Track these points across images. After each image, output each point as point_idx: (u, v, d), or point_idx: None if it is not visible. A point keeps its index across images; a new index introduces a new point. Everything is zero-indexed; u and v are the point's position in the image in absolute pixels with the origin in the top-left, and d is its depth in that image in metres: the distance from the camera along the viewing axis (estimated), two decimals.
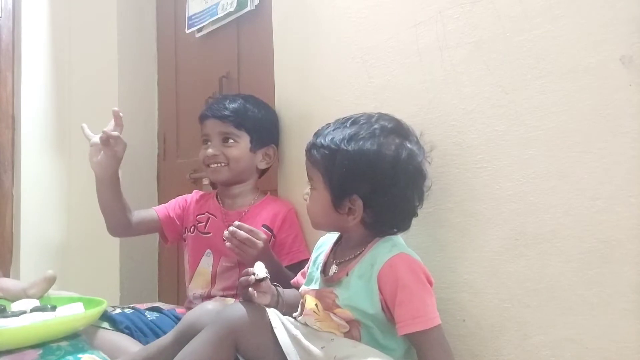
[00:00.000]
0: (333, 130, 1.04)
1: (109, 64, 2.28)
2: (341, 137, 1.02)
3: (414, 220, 1.14)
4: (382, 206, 1.02)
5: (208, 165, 1.51)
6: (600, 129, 0.91)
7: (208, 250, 1.50)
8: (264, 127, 1.53)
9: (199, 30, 2.03)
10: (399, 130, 1.05)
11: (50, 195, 2.37)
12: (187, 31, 2.07)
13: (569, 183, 0.95)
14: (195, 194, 1.63)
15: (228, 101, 1.52)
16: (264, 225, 1.45)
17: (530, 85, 1.00)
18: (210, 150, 1.49)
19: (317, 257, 1.16)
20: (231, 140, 1.49)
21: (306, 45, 1.48)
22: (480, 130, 1.07)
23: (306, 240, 1.45)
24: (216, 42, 1.99)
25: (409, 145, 1.03)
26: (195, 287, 1.52)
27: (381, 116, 1.06)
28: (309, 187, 1.09)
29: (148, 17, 2.36)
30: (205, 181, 1.98)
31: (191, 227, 1.56)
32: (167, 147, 2.29)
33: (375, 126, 1.03)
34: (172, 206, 1.60)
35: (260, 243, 1.27)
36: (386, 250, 1.01)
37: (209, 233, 1.52)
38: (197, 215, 1.56)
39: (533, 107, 0.99)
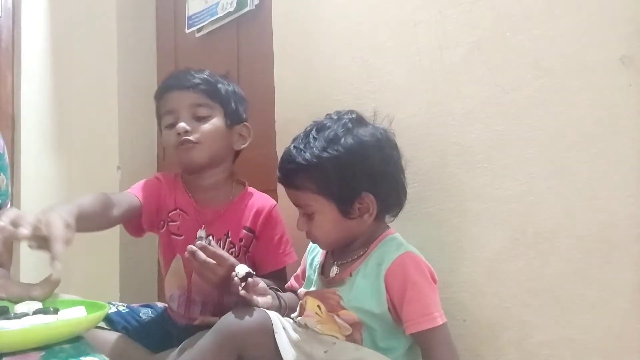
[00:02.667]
0: (304, 146, 1.01)
1: (109, 63, 2.28)
2: (319, 147, 0.99)
3: (415, 220, 1.15)
4: (387, 189, 1.02)
5: (178, 146, 1.26)
6: (599, 129, 0.92)
7: (177, 256, 1.30)
8: (237, 100, 1.33)
9: (199, 30, 2.02)
10: (361, 117, 1.07)
11: (50, 195, 2.36)
12: (187, 31, 2.06)
13: (568, 183, 0.95)
14: (163, 179, 1.35)
15: (193, 72, 1.31)
16: (245, 228, 1.29)
17: (529, 85, 1.00)
18: (182, 124, 1.24)
19: (312, 259, 1.15)
20: (204, 114, 1.26)
21: (306, 45, 1.48)
22: (479, 130, 1.07)
23: (291, 239, 1.34)
24: (216, 42, 1.99)
25: (377, 125, 1.06)
26: (170, 288, 1.35)
27: (339, 112, 1.07)
28: (304, 216, 1.04)
29: (148, 17, 2.35)
30: None
31: (162, 222, 1.32)
32: (166, 148, 2.29)
33: (344, 121, 1.03)
34: (148, 193, 1.30)
35: (222, 270, 1.07)
36: (393, 249, 1.01)
37: (181, 236, 1.30)
38: (169, 212, 1.31)
39: (533, 107, 1.00)
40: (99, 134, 2.32)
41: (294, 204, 1.06)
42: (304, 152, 1.00)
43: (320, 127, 1.04)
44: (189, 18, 2.06)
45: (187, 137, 1.25)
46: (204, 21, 1.97)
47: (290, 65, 1.55)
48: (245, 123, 1.36)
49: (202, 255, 1.06)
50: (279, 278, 1.26)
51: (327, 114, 1.08)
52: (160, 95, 1.32)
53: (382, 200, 1.02)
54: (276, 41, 1.60)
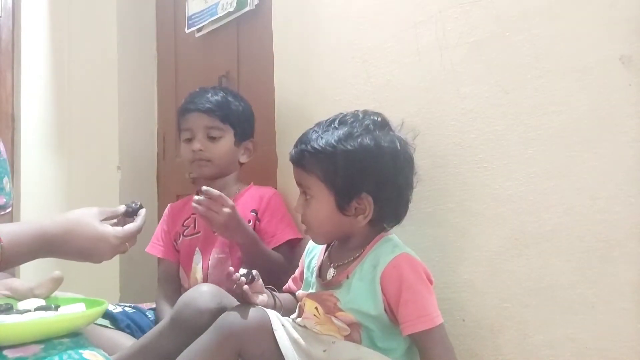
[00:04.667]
0: (323, 132, 1.02)
1: (109, 63, 2.28)
2: (336, 137, 1.00)
3: (415, 220, 1.15)
4: (388, 199, 1.02)
5: (193, 161, 1.48)
6: (599, 129, 0.92)
7: (197, 249, 1.48)
8: (246, 120, 1.52)
9: (199, 30, 2.02)
10: (387, 122, 1.06)
11: (50, 195, 2.37)
12: (187, 31, 2.06)
13: (568, 182, 0.95)
14: (172, 208, 1.61)
15: (210, 94, 1.49)
16: (252, 211, 1.45)
17: (529, 84, 1.00)
18: (197, 145, 1.45)
19: (309, 262, 1.15)
20: (216, 135, 1.47)
21: (306, 44, 1.48)
22: (479, 130, 1.07)
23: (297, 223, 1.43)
24: (216, 42, 1.99)
25: (400, 135, 1.05)
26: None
27: (366, 112, 1.06)
28: (303, 198, 1.05)
29: (148, 17, 2.36)
30: None
31: (176, 234, 1.54)
32: (166, 147, 2.29)
33: (367, 122, 1.03)
34: (162, 238, 1.57)
35: (225, 208, 1.26)
36: (388, 251, 1.01)
37: (199, 232, 1.50)
38: (183, 222, 1.54)
39: (533, 107, 1.00)
40: (99, 134, 2.32)
41: (297, 182, 1.07)
42: (321, 138, 1.01)
43: (343, 119, 1.04)
44: (189, 18, 2.06)
45: (201, 157, 1.46)
46: (204, 21, 1.97)
47: (290, 65, 1.55)
48: (251, 139, 1.54)
49: (206, 201, 1.26)
50: (282, 253, 1.40)
51: (355, 110, 1.07)
52: (182, 114, 1.52)
53: (380, 207, 1.01)
54: (276, 41, 1.60)
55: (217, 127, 1.46)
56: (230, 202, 1.29)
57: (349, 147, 0.99)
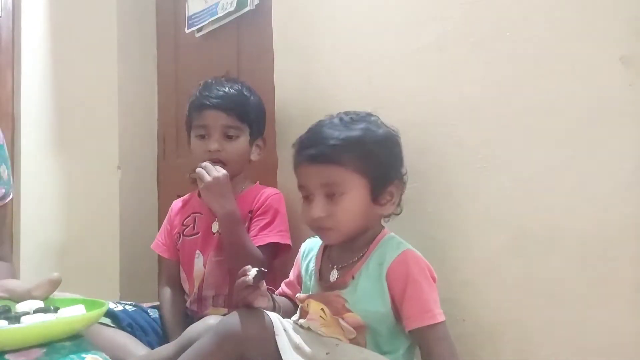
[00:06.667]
0: (343, 127, 1.02)
1: (109, 63, 2.28)
2: (360, 129, 1.02)
3: (415, 220, 1.15)
4: (404, 181, 1.07)
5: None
6: (600, 129, 0.92)
7: (197, 252, 1.44)
8: (261, 117, 1.48)
9: (199, 30, 2.02)
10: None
11: (50, 195, 2.37)
12: (187, 31, 2.06)
13: (568, 183, 0.95)
14: (175, 205, 1.57)
15: (227, 88, 1.43)
16: (250, 212, 1.41)
17: (529, 84, 1.00)
18: (214, 145, 1.38)
19: (307, 265, 1.14)
20: (233, 134, 1.40)
21: (306, 44, 1.48)
22: (479, 130, 1.07)
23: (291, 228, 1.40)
24: (216, 42, 1.99)
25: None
26: (191, 291, 1.46)
27: (357, 112, 1.08)
28: (327, 199, 1.00)
29: (148, 17, 2.36)
30: None
31: (177, 234, 1.50)
32: (167, 147, 2.29)
33: (374, 117, 1.07)
34: (166, 236, 1.53)
35: (215, 172, 1.30)
36: (393, 248, 1.01)
37: (198, 233, 1.46)
38: (183, 221, 1.50)
39: (533, 107, 1.00)
40: (99, 134, 2.32)
41: (320, 184, 1.00)
42: (344, 131, 1.02)
43: (347, 117, 1.06)
44: (189, 18, 2.06)
45: (217, 157, 1.39)
46: (204, 21, 1.97)
47: (290, 64, 1.55)
48: (262, 137, 1.49)
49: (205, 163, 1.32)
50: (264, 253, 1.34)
51: (345, 112, 1.08)
52: (197, 108, 1.43)
53: (401, 191, 1.06)
54: (276, 41, 1.60)
55: (235, 127, 1.40)
56: (224, 171, 1.31)
57: (376, 136, 1.03)
